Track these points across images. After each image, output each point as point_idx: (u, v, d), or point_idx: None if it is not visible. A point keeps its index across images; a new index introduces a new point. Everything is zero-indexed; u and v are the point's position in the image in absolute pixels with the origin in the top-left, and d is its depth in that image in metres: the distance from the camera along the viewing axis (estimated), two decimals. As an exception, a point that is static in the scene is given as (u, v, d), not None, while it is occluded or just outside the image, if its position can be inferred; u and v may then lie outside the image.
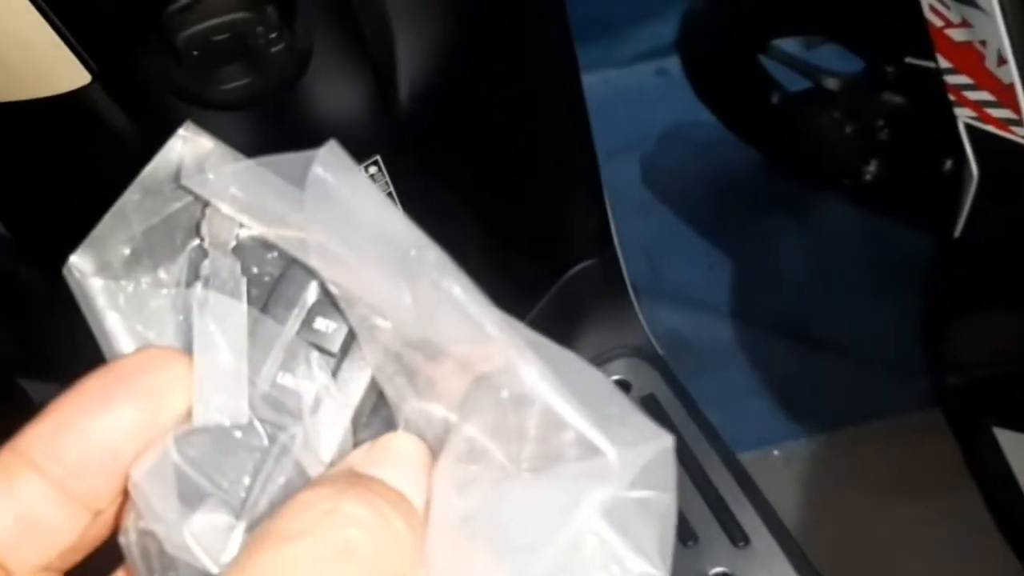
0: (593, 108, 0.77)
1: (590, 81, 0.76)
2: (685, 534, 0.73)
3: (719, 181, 1.20)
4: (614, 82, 1.27)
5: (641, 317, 0.85)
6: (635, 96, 1.26)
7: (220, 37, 0.50)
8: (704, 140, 1.20)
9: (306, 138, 0.59)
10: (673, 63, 1.20)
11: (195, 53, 0.50)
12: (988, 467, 0.82)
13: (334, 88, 0.56)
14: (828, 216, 1.15)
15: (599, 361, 0.84)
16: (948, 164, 0.96)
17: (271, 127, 0.56)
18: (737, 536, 0.72)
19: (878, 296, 1.06)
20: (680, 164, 1.23)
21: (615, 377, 0.83)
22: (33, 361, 0.88)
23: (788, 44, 1.05)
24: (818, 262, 1.12)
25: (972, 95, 0.69)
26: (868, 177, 1.05)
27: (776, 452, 1.00)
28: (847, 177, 1.06)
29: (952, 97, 0.70)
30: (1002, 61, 0.63)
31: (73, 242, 0.60)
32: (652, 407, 0.81)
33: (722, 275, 1.12)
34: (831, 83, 1.03)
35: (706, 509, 0.74)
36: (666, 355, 0.85)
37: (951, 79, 0.70)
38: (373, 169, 0.60)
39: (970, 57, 0.66)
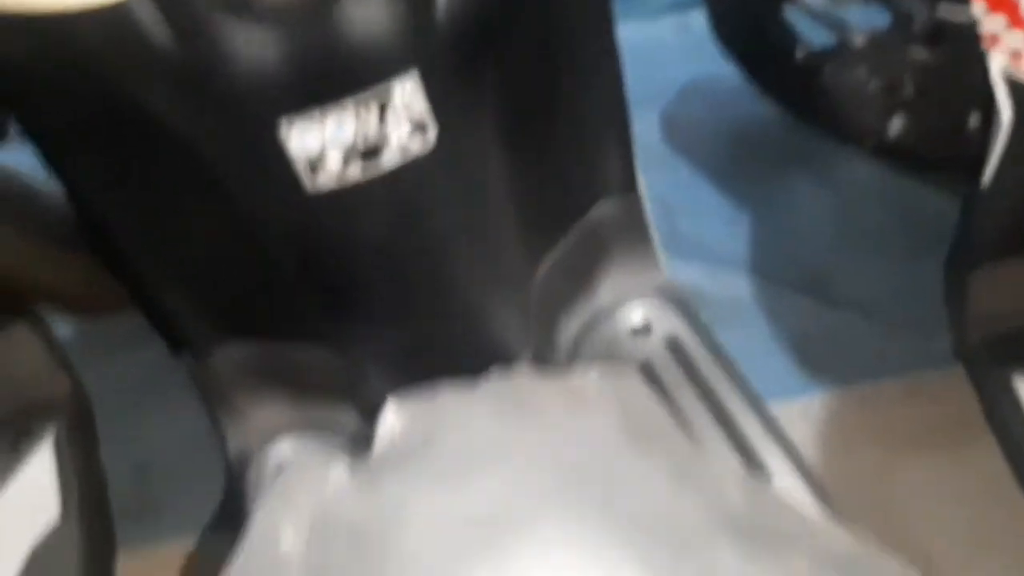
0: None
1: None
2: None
3: (740, 136, 1.20)
4: (636, 35, 1.25)
5: (662, 259, 0.85)
6: (657, 50, 1.26)
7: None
8: (725, 95, 1.19)
9: (346, 50, 0.59)
10: (696, 17, 1.19)
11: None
12: (1008, 419, 0.82)
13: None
14: (850, 173, 1.14)
15: (621, 302, 0.84)
16: (973, 121, 0.96)
17: (309, 36, 0.56)
18: (760, 472, 0.72)
19: (899, 254, 1.06)
20: (701, 118, 1.22)
21: (636, 318, 0.83)
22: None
23: (814, -2, 1.05)
24: (839, 219, 1.12)
25: (1006, 39, 0.69)
26: (892, 134, 1.04)
27: (792, 406, 1.00)
28: (870, 134, 1.06)
29: (986, 44, 0.70)
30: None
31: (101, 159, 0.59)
32: (675, 349, 0.82)
33: (741, 230, 1.12)
34: (857, 38, 1.02)
35: (729, 448, 0.75)
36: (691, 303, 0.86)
37: (985, 23, 0.70)
38: (409, 86, 0.59)
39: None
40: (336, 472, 0.38)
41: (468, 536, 0.30)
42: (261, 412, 0.78)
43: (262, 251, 0.67)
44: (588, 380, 0.39)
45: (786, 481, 0.72)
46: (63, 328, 1.04)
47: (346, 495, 0.36)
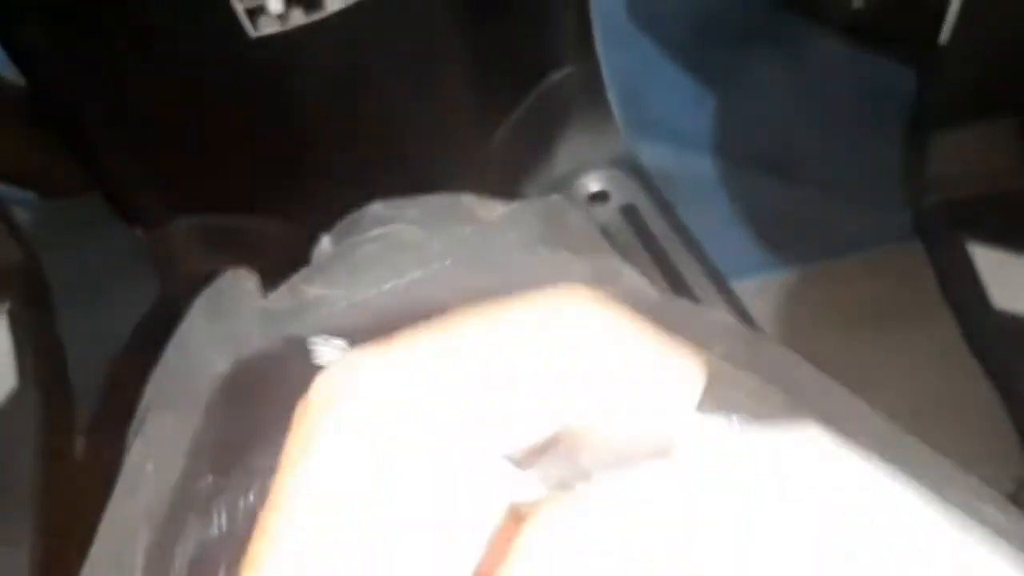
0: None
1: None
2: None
3: (705, 14, 1.17)
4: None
5: (621, 128, 0.84)
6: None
7: None
8: (691, -29, 1.17)
9: None
10: None
11: None
12: (960, 283, 0.82)
13: None
14: (815, 49, 1.13)
15: (578, 172, 0.83)
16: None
17: None
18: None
19: (863, 130, 1.05)
20: (667, -4, 1.20)
21: (594, 187, 0.83)
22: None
23: None
24: (803, 96, 1.11)
25: None
26: (855, 5, 1.03)
27: (751, 283, 1.01)
28: (835, 7, 1.04)
29: None
30: None
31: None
32: (632, 217, 0.82)
33: (704, 109, 1.11)
34: (822, -93, 1.00)
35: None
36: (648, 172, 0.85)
37: None
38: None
39: None
40: (257, 283, 0.38)
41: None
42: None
43: (207, 110, 0.66)
44: (525, 202, 0.39)
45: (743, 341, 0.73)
46: (23, 213, 1.03)
47: (269, 299, 0.36)
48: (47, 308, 0.77)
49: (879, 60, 1.09)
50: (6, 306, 0.73)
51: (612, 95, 0.84)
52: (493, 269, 0.31)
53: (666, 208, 0.81)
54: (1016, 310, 0.78)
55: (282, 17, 0.59)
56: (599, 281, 0.37)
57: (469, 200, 0.42)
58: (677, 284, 0.77)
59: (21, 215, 1.03)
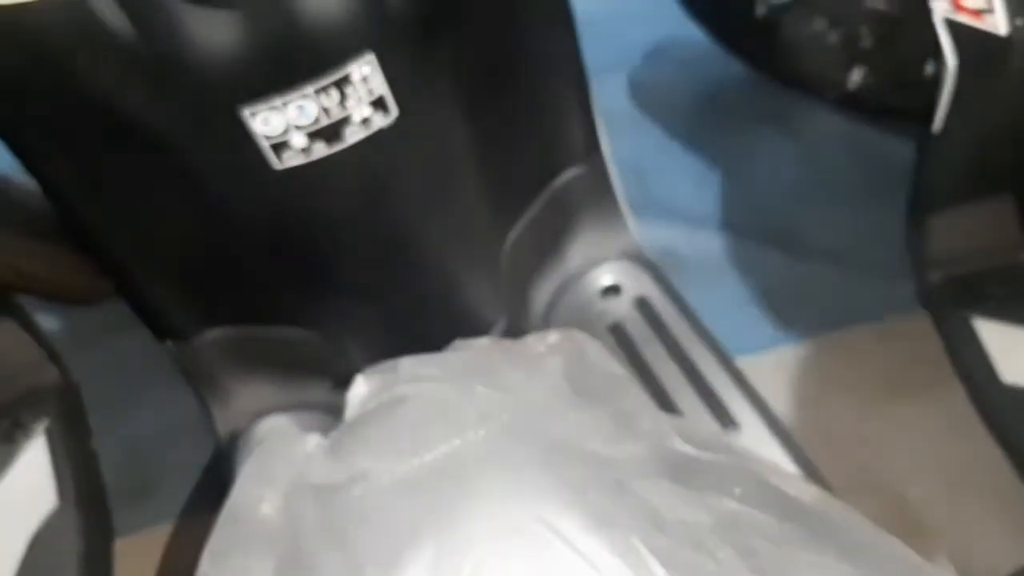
0: (579, 26, 0.78)
1: (576, -1, 0.77)
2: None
3: (706, 96, 1.21)
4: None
5: (630, 222, 0.87)
6: (621, 13, 1.26)
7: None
8: (691, 56, 1.21)
9: (301, 37, 0.60)
10: (658, -21, 1.20)
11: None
12: (968, 358, 0.84)
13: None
14: (814, 126, 1.16)
15: (590, 266, 0.86)
16: (929, 69, 0.97)
17: (266, 24, 0.58)
18: (728, 424, 0.75)
19: (865, 202, 1.08)
20: (667, 80, 1.24)
21: (606, 281, 0.85)
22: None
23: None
24: (805, 172, 1.13)
25: (947, -14, 0.70)
26: (852, 85, 1.06)
27: (767, 358, 1.02)
28: (832, 86, 1.07)
29: (929, -10, 0.71)
30: (975, -53, 0.64)
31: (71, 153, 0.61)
32: (644, 309, 0.84)
33: (711, 189, 1.14)
34: (814, -9, 1.04)
35: (700, 403, 0.77)
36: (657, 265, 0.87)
37: (926, -31, 0.71)
38: (367, 69, 0.61)
39: (945, -54, 0.68)
40: (309, 443, 0.40)
41: (420, 496, 0.32)
42: (246, 392, 0.80)
43: (235, 234, 0.69)
44: (540, 343, 0.41)
45: (754, 432, 0.74)
46: (48, 318, 1.06)
47: (316, 463, 0.39)
48: (83, 423, 0.79)
49: (877, 133, 1.12)
50: (44, 423, 0.76)
51: (620, 188, 0.87)
52: (525, 438, 0.33)
53: (676, 298, 0.84)
54: (1024, 383, 0.80)
55: (305, 150, 0.62)
56: (618, 425, 0.39)
57: (488, 349, 0.44)
58: (690, 372, 0.79)
59: (50, 321, 1.07)
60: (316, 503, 0.33)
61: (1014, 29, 0.67)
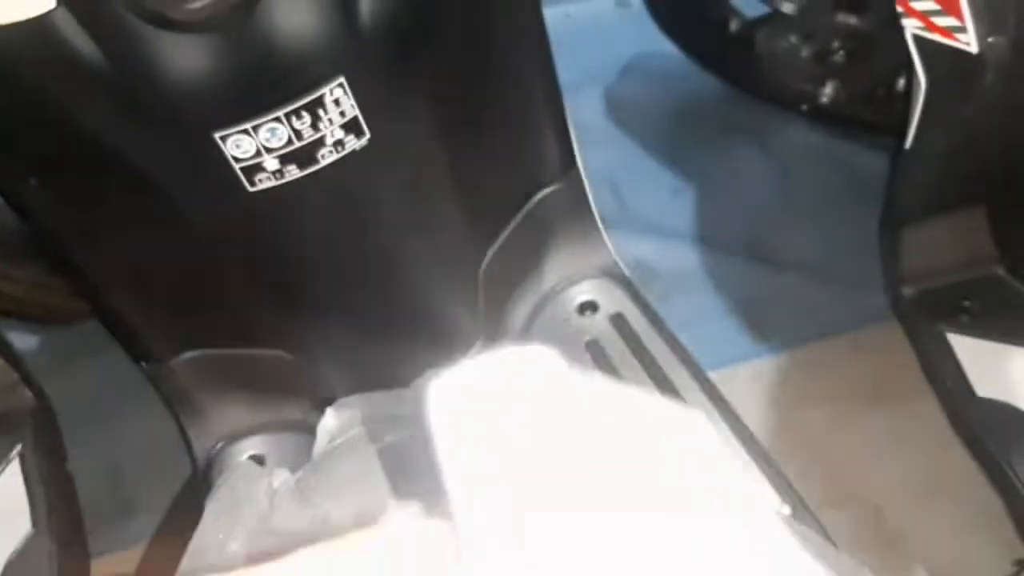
0: (555, 41, 0.78)
1: (552, 15, 0.77)
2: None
3: (681, 110, 1.22)
4: (576, 15, 1.28)
5: (607, 239, 0.87)
6: (596, 29, 1.27)
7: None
8: (665, 70, 1.21)
9: (271, 62, 0.60)
10: (635, -4, 1.21)
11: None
12: (943, 372, 0.84)
13: (297, 8, 0.58)
14: (788, 140, 1.17)
15: (567, 283, 0.86)
16: (901, 83, 0.98)
17: (235, 49, 0.57)
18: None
19: (838, 215, 1.09)
20: (642, 95, 1.25)
21: (582, 298, 0.86)
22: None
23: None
24: (779, 185, 1.14)
25: (918, 4, 0.71)
26: (825, 100, 1.07)
27: (743, 369, 1.03)
28: (805, 100, 1.08)
29: (900, 8, 0.72)
30: (945, -32, 0.65)
31: (45, 177, 0.60)
32: (620, 325, 0.84)
33: (686, 202, 1.14)
34: (787, 7, 1.05)
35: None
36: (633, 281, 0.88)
37: (899, -13, 0.72)
38: (338, 92, 0.61)
39: (916, -34, 0.68)
40: (276, 480, 0.40)
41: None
42: (222, 413, 0.80)
43: (210, 257, 0.69)
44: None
45: (727, 447, 0.75)
46: (24, 339, 1.05)
47: (283, 503, 0.39)
48: (58, 446, 0.79)
49: (849, 146, 1.13)
50: (17, 449, 0.75)
51: (595, 205, 0.87)
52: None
53: (653, 315, 0.84)
54: (998, 397, 0.80)
55: (278, 173, 0.62)
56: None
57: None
58: (665, 387, 0.80)
59: (26, 341, 1.06)
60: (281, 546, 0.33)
61: (986, 47, 0.68)
